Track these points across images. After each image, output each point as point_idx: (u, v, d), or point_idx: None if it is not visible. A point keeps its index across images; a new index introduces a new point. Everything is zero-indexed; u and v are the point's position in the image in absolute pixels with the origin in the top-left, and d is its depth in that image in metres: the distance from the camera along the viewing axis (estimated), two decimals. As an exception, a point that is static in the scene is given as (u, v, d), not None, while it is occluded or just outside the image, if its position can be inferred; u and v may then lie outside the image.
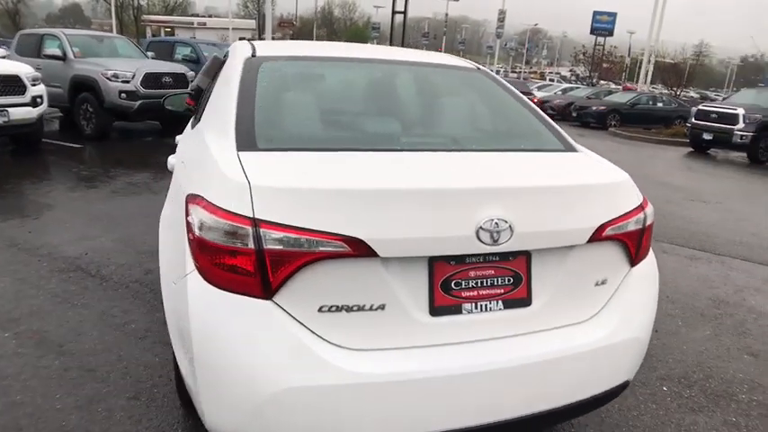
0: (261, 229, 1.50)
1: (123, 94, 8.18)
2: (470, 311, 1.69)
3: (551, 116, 20.04)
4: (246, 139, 1.83)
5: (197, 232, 1.58)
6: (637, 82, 28.71)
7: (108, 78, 8.15)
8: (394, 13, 24.77)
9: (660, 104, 18.03)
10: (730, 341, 3.42)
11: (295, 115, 2.11)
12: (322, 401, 1.53)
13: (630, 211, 1.90)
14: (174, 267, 1.80)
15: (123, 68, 8.36)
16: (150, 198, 5.60)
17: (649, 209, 1.99)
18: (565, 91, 23.53)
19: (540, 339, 1.76)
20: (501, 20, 34.28)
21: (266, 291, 1.53)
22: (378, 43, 49.09)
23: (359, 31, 66.50)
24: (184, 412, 2.34)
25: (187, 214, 1.68)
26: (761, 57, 57.74)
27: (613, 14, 53.86)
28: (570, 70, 60.66)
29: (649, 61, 22.36)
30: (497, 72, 50.98)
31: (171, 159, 3.14)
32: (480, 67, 2.81)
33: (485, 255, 1.67)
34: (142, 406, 2.39)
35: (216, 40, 16.04)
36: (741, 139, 11.95)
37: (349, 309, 1.58)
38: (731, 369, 3.09)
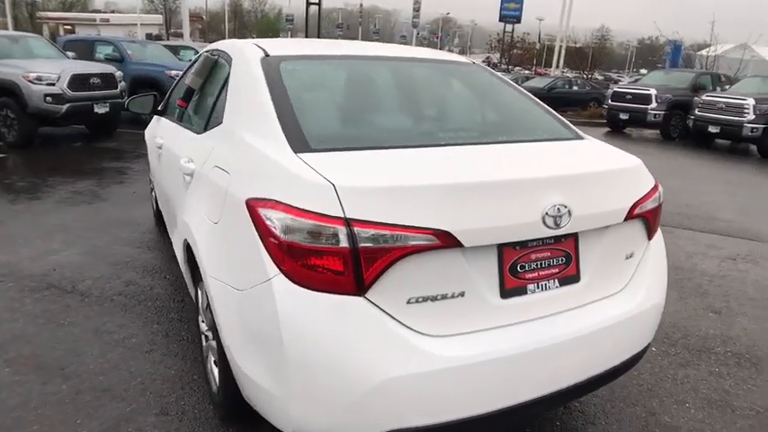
0: (354, 228, 1.53)
1: (49, 98, 7.58)
2: (533, 291, 1.80)
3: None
4: (299, 142, 1.83)
5: (283, 236, 1.58)
6: (548, 67, 30.21)
7: (31, 81, 7.51)
8: (308, 4, 24.53)
9: (576, 88, 19.14)
10: (695, 302, 3.78)
11: (333, 115, 2.12)
12: (417, 388, 1.58)
13: (650, 191, 2.08)
14: (240, 275, 1.76)
15: (47, 70, 7.75)
16: (102, 207, 5.28)
17: (660, 188, 2.18)
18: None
19: (589, 311, 1.90)
20: (416, 9, 34.77)
21: (359, 288, 1.56)
22: (291, 35, 48.32)
23: (270, 24, 64.99)
24: (219, 423, 2.29)
25: (257, 219, 1.66)
26: (655, 39, 62.54)
27: (520, 2, 56.15)
28: (486, 58, 62.71)
29: (561, 47, 23.61)
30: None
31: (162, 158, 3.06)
32: (475, 61, 2.91)
33: (543, 238, 1.78)
34: (174, 421, 2.30)
35: (136, 38, 15.25)
36: (654, 117, 12.98)
37: (434, 298, 1.65)
38: (702, 326, 3.42)
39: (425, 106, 2.53)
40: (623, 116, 13.62)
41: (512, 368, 1.70)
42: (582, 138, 2.39)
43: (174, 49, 11.34)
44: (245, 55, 2.43)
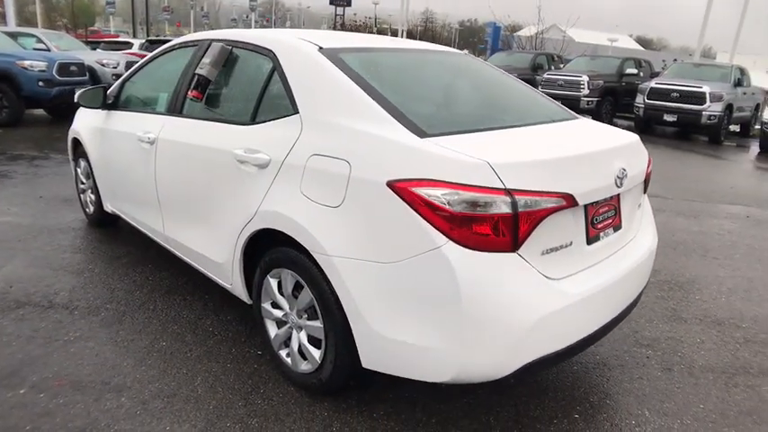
0: (515, 197, 1.77)
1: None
2: (602, 238, 2.20)
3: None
4: (414, 127, 1.99)
5: (452, 208, 1.75)
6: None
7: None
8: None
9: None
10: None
11: (417, 102, 2.23)
12: (556, 321, 1.90)
13: (649, 158, 2.60)
14: (387, 249, 1.89)
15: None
16: (22, 211, 4.55)
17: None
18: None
19: (629, 250, 2.36)
20: (255, -8, 33.63)
21: (514, 245, 1.82)
22: (113, 20, 43.34)
23: (85, 7, 57.43)
24: (311, 400, 2.32)
25: (411, 197, 1.81)
26: (474, 21, 68.14)
27: (351, -15, 57.04)
28: None
29: (402, 30, 24.73)
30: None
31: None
32: (466, 52, 3.21)
33: (607, 197, 2.17)
34: (266, 406, 2.28)
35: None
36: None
37: (556, 249, 1.96)
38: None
39: (473, 92, 2.74)
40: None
41: (604, 296, 2.10)
42: (578, 117, 2.82)
43: (13, 37, 9.74)
44: (299, 48, 2.44)
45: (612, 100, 13.51)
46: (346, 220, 2.00)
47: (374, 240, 1.93)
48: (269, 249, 2.38)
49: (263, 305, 2.49)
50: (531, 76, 14.33)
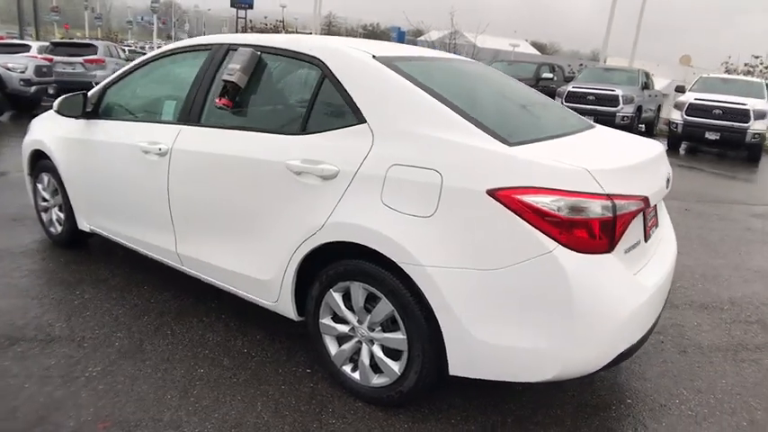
0: (614, 201, 1.85)
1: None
2: (651, 236, 2.35)
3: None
4: (499, 137, 2.02)
5: (563, 214, 1.79)
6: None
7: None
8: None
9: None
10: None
11: (481, 111, 2.21)
12: (641, 312, 2.03)
13: None
14: (489, 256, 1.91)
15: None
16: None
17: None
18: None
19: (665, 247, 2.53)
20: (156, -7, 31.68)
21: (611, 246, 1.91)
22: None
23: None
24: (384, 415, 2.26)
25: (517, 204, 1.84)
26: (377, 25, 69.20)
27: (252, -14, 55.47)
28: None
29: (315, 33, 24.57)
30: (142, 48, 46.88)
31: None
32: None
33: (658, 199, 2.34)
34: (343, 423, 2.18)
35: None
36: None
37: (632, 247, 2.09)
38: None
39: (512, 101, 2.75)
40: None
41: (661, 288, 2.24)
42: (595, 125, 2.96)
43: None
44: (353, 55, 2.36)
45: None
46: (440, 230, 1.96)
47: (473, 248, 1.92)
48: (332, 263, 2.28)
49: (321, 321, 2.38)
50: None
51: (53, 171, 3.65)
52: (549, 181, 1.86)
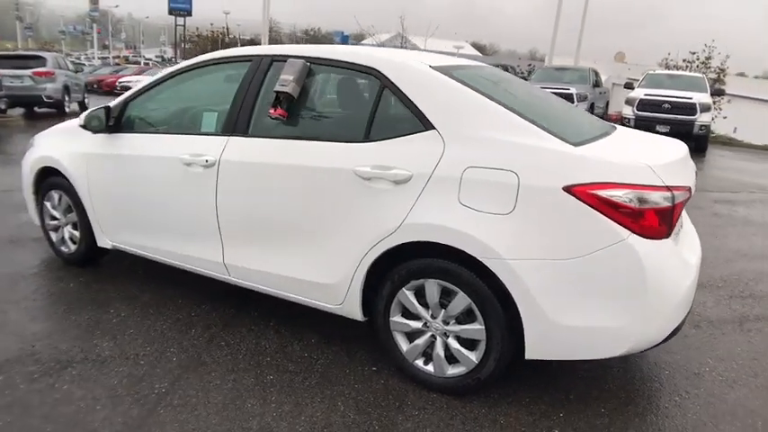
0: (672, 192, 2.06)
1: None
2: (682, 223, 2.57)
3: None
4: (563, 138, 2.20)
5: (634, 205, 1.99)
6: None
7: None
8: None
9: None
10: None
11: (535, 114, 2.35)
12: (690, 291, 2.27)
13: None
14: (567, 246, 2.07)
15: None
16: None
17: None
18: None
19: (690, 232, 2.75)
20: (94, 2, 30.30)
21: (669, 232, 2.12)
22: None
23: None
24: (461, 403, 2.37)
25: (593, 199, 2.02)
26: (318, 30, 68.99)
27: (189, -7, 53.89)
28: (161, 51, 58.43)
29: (262, 40, 24.15)
30: (78, 58, 44.71)
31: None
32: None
33: None
34: (428, 414, 2.27)
35: None
36: None
37: (677, 233, 2.32)
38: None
39: (551, 104, 2.88)
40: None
41: (697, 270, 2.46)
42: (616, 127, 3.15)
43: None
44: (413, 66, 2.47)
45: None
46: (519, 225, 2.10)
47: (551, 240, 2.07)
48: (402, 263, 2.36)
49: (392, 319, 2.45)
50: None
51: (66, 188, 3.52)
52: (619, 176, 2.04)
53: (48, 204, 3.73)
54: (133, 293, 3.37)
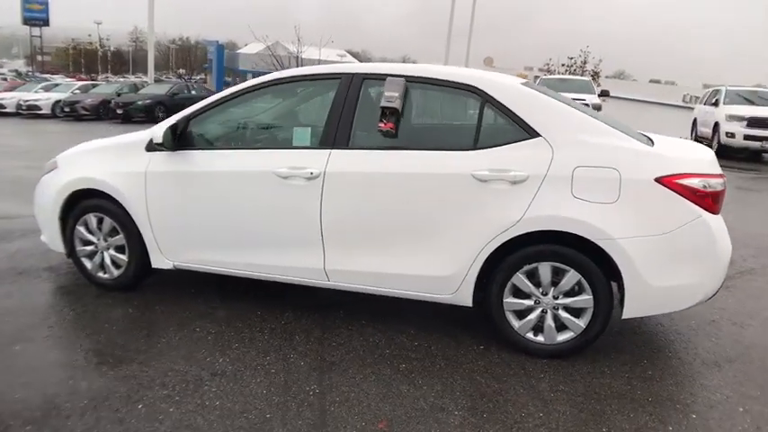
0: (723, 179, 2.70)
1: None
2: None
3: (84, 116, 16.54)
4: (640, 140, 2.75)
5: (705, 189, 2.58)
6: (93, 74, 27.64)
7: None
8: None
9: (194, 92, 19.17)
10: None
11: (609, 122, 2.84)
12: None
13: None
14: (659, 224, 2.58)
15: None
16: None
17: None
18: (47, 89, 20.18)
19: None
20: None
21: (718, 209, 2.69)
22: None
23: None
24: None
25: (678, 186, 2.56)
26: (186, 39, 65.24)
27: (45, 2, 48.36)
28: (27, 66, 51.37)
29: (143, 50, 22.72)
30: None
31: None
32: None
33: None
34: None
35: None
36: None
37: None
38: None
39: (592, 112, 3.38)
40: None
41: None
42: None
43: None
44: (511, 84, 2.88)
45: None
46: (623, 211, 2.57)
47: (648, 220, 2.57)
48: (515, 251, 2.72)
49: (505, 300, 2.79)
50: None
51: (110, 210, 3.33)
52: (693, 168, 2.60)
53: (81, 229, 3.47)
54: (204, 311, 3.30)
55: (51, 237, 3.59)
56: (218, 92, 4.10)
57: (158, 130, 3.07)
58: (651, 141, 2.90)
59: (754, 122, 11.11)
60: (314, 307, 3.36)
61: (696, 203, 2.57)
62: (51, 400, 2.37)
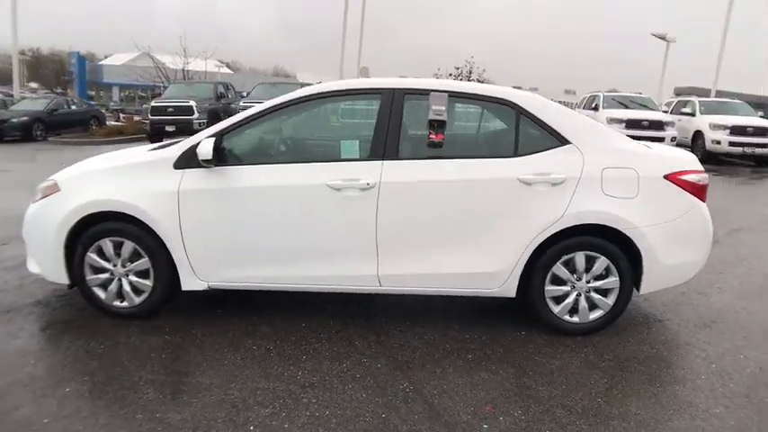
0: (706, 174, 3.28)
1: None
2: None
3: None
4: (644, 145, 3.22)
5: (698, 183, 3.13)
6: None
7: None
8: None
9: (74, 107, 17.16)
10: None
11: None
12: None
13: None
14: (667, 212, 3.07)
15: None
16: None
17: None
18: None
19: None
20: None
21: (704, 198, 3.28)
22: None
23: None
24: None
25: (681, 182, 3.10)
26: (37, 50, 57.59)
27: None
28: None
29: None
30: None
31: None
32: None
33: None
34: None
35: None
36: (200, 125, 13.90)
37: None
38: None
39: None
40: (169, 128, 14.13)
41: None
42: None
43: None
44: (541, 99, 3.21)
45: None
46: (641, 203, 3.04)
47: (660, 210, 3.06)
48: (554, 244, 3.06)
49: (546, 288, 3.12)
50: (217, 104, 14.74)
51: (131, 233, 3.08)
52: (689, 166, 3.15)
53: (93, 256, 3.14)
54: (246, 329, 3.18)
55: (51, 267, 3.20)
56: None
57: (202, 148, 2.92)
58: (648, 146, 3.45)
59: (630, 124, 12.89)
60: (354, 315, 3.41)
61: (693, 194, 3.13)
62: (208, 425, 2.22)
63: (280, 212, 3.05)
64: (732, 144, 12.64)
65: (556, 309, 3.18)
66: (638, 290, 3.16)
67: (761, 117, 13.87)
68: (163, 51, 27.18)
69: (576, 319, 3.19)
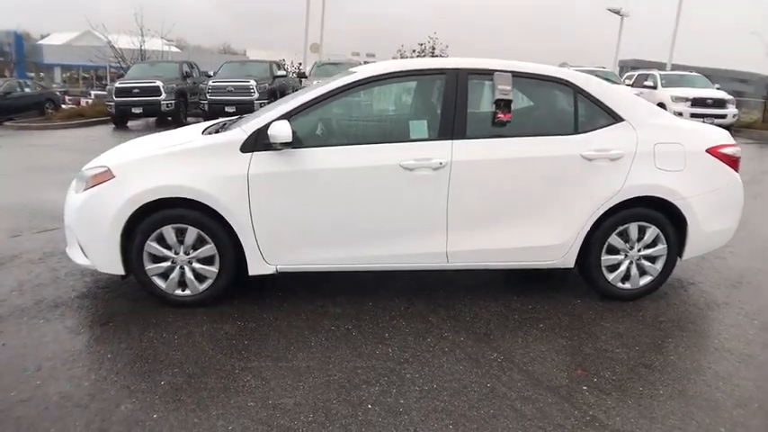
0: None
1: None
2: None
3: None
4: (682, 119, 3.35)
5: (734, 156, 3.32)
6: None
7: None
8: None
9: (28, 90, 15.82)
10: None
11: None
12: None
13: None
14: (705, 184, 3.21)
15: None
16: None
17: None
18: None
19: None
20: None
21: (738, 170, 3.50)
22: None
23: None
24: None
25: (721, 155, 3.28)
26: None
27: None
28: None
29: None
30: None
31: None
32: None
33: None
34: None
35: None
36: (168, 106, 13.33)
37: None
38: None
39: None
40: (136, 110, 13.35)
41: None
42: None
43: None
44: (595, 79, 3.28)
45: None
46: (688, 175, 3.18)
47: (704, 181, 3.22)
48: (610, 216, 3.16)
49: (603, 257, 3.24)
50: (184, 84, 14.19)
51: (196, 220, 2.94)
52: (726, 140, 3.32)
53: (153, 245, 2.98)
54: (316, 311, 3.13)
55: (105, 258, 3.01)
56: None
57: (276, 131, 2.80)
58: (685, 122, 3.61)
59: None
60: (415, 291, 3.42)
61: (731, 166, 3.30)
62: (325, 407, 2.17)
63: (352, 193, 2.98)
64: (693, 116, 12.91)
65: (610, 276, 3.30)
66: (680, 256, 3.34)
67: (718, 89, 14.46)
68: (108, 30, 25.36)
69: (627, 285, 3.34)
